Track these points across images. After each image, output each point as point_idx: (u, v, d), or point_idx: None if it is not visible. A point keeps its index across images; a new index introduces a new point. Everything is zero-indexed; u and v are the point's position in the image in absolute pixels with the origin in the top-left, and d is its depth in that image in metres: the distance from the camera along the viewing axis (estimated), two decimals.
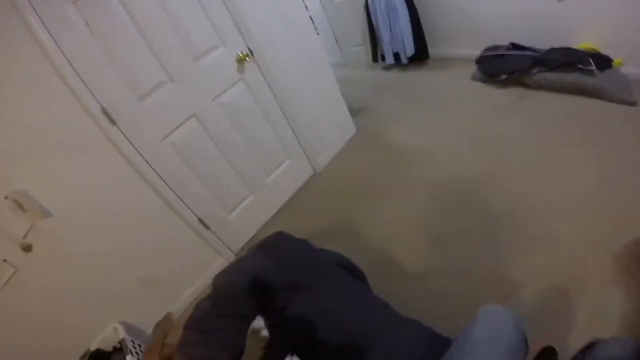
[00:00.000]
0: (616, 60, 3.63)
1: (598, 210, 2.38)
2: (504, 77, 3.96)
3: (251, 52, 2.89)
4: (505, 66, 3.96)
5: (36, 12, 1.92)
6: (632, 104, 3.28)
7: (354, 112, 4.05)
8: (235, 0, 2.72)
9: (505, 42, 4.25)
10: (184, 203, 2.70)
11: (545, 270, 2.16)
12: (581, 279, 2.05)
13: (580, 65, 3.56)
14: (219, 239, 2.97)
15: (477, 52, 4.37)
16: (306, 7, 5.32)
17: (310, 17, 5.48)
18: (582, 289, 2.01)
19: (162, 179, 2.55)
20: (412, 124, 3.86)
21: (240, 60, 2.83)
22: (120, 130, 2.30)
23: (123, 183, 2.40)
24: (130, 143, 2.36)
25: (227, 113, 2.86)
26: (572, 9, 3.78)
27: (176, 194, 2.64)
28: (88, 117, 2.17)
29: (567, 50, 3.79)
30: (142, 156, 2.42)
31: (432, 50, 4.93)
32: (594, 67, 3.51)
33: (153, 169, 2.49)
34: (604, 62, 3.59)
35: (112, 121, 2.25)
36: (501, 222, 2.53)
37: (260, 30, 2.89)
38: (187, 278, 2.87)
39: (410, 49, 4.72)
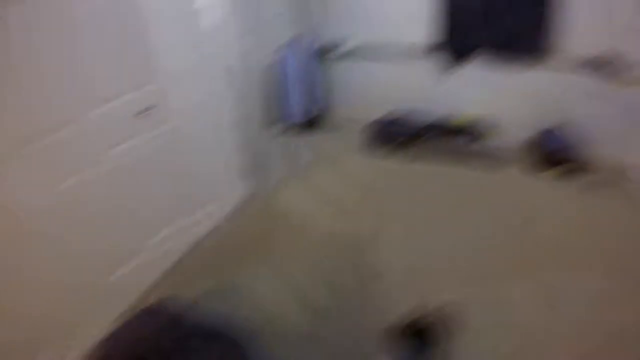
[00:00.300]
0: (491, 130, 4.19)
1: (468, 266, 2.76)
2: (393, 143, 4.34)
3: (157, 103, 2.77)
4: (396, 133, 4.36)
5: None
6: (505, 167, 3.91)
7: (246, 173, 4.02)
8: (151, 47, 2.65)
9: (396, 110, 4.68)
10: (60, 260, 2.42)
11: None
12: None
13: (459, 136, 4.07)
14: (94, 302, 2.67)
15: (371, 118, 4.71)
16: None
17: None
18: None
19: (41, 227, 2.28)
20: (302, 188, 3.96)
21: (145, 111, 2.70)
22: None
23: None
24: (12, 188, 2.10)
25: (121, 164, 2.66)
26: (456, 87, 4.40)
27: (52, 251, 2.37)
28: None
29: (451, 122, 4.30)
30: (24, 204, 2.17)
31: (329, 115, 5.22)
32: (471, 137, 4.04)
33: (36, 217, 2.23)
34: (481, 132, 4.16)
35: None
36: (379, 283, 2.72)
37: (170, 81, 2.83)
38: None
39: (310, 113, 4.93)
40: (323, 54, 4.95)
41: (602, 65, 3.53)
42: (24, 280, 2.24)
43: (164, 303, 1.58)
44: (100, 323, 2.55)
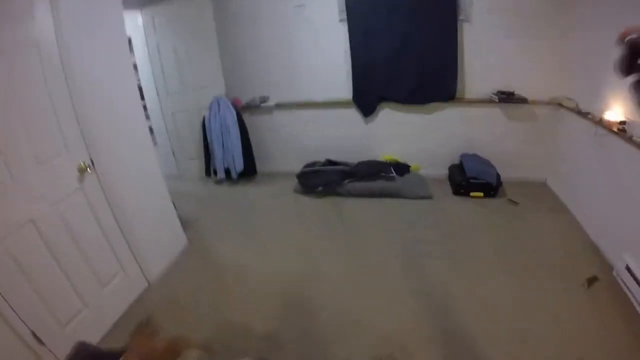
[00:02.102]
0: (413, 165, 4.48)
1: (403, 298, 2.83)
2: (320, 189, 4.48)
3: (92, 162, 2.86)
4: (321, 180, 4.51)
5: None
6: (429, 197, 4.14)
7: (186, 224, 4.06)
8: (83, 109, 2.77)
9: (322, 158, 4.91)
10: (16, 313, 2.35)
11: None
12: None
13: (383, 174, 4.27)
14: (54, 354, 2.54)
15: (298, 168, 4.90)
16: (148, 116, 5.51)
17: (151, 127, 5.58)
18: None
19: None
20: (238, 236, 3.99)
21: (81, 170, 2.77)
22: None
23: None
24: None
25: (65, 221, 2.68)
26: (376, 131, 4.72)
27: (8, 303, 2.29)
28: None
29: (373, 163, 4.53)
30: None
31: (259, 167, 5.39)
32: (394, 174, 4.24)
33: None
34: (403, 168, 4.44)
35: None
36: (318, 317, 2.77)
37: (102, 142, 2.93)
38: None
39: (239, 165, 5.07)
40: (246, 112, 5.20)
41: (502, 98, 3.96)
42: None
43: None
44: None
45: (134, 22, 5.14)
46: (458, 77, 4.17)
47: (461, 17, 3.99)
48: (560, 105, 3.84)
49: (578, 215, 3.53)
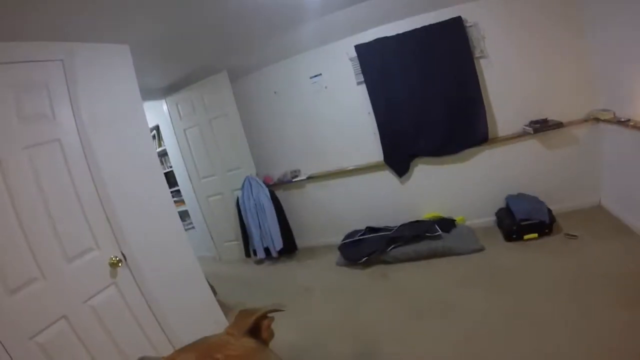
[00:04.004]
0: (458, 218, 4.29)
1: None
2: (364, 259, 4.22)
3: (124, 256, 2.80)
4: (364, 249, 4.28)
5: None
6: (481, 249, 3.82)
7: (227, 308, 3.92)
8: (112, 205, 2.75)
9: (362, 226, 4.71)
10: None
11: None
12: None
13: (428, 234, 4.03)
14: None
15: (339, 239, 4.73)
16: (182, 201, 5.63)
17: (187, 211, 5.77)
18: None
19: None
20: (285, 317, 3.70)
21: (113, 265, 2.71)
22: None
23: None
24: None
25: (98, 317, 2.61)
26: (413, 189, 4.55)
27: None
28: None
29: (415, 224, 4.33)
30: (8, 353, 2.09)
31: (299, 242, 5.23)
32: (439, 232, 4.02)
33: None
34: (448, 224, 4.20)
35: None
36: None
37: (133, 235, 2.88)
38: None
39: (278, 243, 4.93)
40: (279, 188, 5.17)
41: (536, 128, 3.78)
42: None
43: None
44: None
45: (160, 111, 5.31)
46: (487, 117, 4.00)
47: (477, 54, 3.92)
48: (597, 119, 3.60)
49: None
